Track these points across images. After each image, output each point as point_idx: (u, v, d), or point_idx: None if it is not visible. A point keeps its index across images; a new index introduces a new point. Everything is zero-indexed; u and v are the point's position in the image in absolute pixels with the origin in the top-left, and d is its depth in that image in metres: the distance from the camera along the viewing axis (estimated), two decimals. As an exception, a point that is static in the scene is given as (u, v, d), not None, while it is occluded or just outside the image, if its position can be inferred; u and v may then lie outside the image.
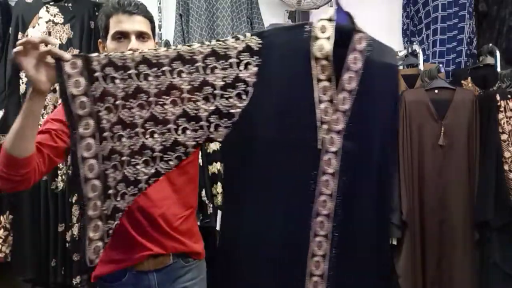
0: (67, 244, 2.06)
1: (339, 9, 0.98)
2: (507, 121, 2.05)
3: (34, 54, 0.98)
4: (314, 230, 0.98)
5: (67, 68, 0.96)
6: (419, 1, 2.57)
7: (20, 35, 2.08)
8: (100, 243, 1.01)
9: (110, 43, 1.25)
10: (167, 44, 2.36)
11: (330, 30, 0.95)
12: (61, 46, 2.07)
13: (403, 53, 2.56)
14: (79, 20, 2.11)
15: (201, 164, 2.03)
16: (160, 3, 2.48)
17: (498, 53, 2.32)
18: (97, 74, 0.97)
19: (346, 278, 1.03)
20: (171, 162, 1.00)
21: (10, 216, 2.10)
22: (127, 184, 1.02)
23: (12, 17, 2.11)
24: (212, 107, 0.98)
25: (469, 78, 2.38)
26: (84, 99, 0.97)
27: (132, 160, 1.00)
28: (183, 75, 0.98)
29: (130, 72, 0.98)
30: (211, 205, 1.95)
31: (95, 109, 0.98)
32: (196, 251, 1.37)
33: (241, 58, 0.96)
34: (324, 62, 0.95)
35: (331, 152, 0.98)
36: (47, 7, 2.09)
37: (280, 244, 0.99)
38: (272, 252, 0.99)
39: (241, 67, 0.97)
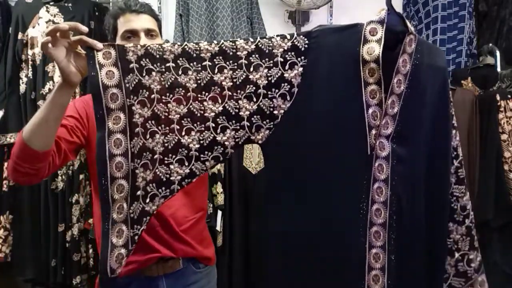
0: (67, 244, 2.06)
1: (391, 10, 0.95)
2: (507, 121, 2.05)
3: (63, 43, 0.95)
4: (369, 241, 0.93)
5: (100, 58, 0.91)
6: (419, 1, 2.57)
7: (20, 35, 2.08)
8: (123, 251, 0.93)
9: (120, 43, 1.24)
10: (167, 44, 2.36)
11: (380, 33, 0.92)
12: (61, 46, 2.07)
13: (403, 53, 2.56)
14: (79, 20, 2.10)
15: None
16: (160, 3, 2.48)
17: (498, 53, 2.32)
18: (132, 65, 0.92)
19: None
20: (207, 163, 0.94)
21: (10, 216, 2.10)
22: (158, 185, 0.94)
23: (12, 17, 2.11)
24: (255, 107, 0.93)
25: (469, 78, 2.38)
26: (116, 90, 0.91)
27: (166, 158, 0.94)
28: (225, 71, 0.93)
29: (168, 65, 0.93)
30: (211, 205, 1.95)
31: (128, 102, 0.92)
32: (206, 256, 1.33)
33: (287, 58, 0.93)
34: (373, 65, 0.92)
35: (382, 157, 0.94)
36: (47, 7, 2.09)
37: (333, 258, 0.93)
38: (324, 267, 0.93)
39: (287, 67, 0.93)
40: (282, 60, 0.93)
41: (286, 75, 0.93)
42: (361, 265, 0.93)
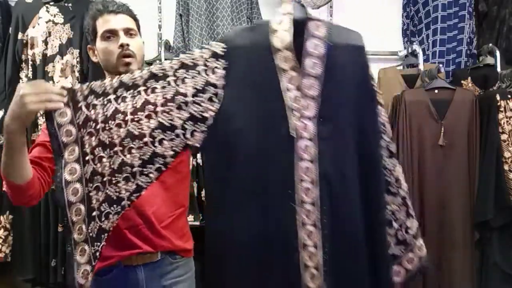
0: (67, 244, 2.06)
1: (295, 3, 1.02)
2: (507, 121, 2.05)
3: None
4: (301, 219, 0.98)
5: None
6: (419, 1, 2.57)
7: (20, 35, 2.08)
8: (88, 267, 1.04)
9: (100, 44, 1.32)
10: (167, 44, 2.36)
11: (288, 22, 1.00)
12: (61, 46, 2.07)
13: (403, 53, 2.56)
14: (79, 20, 2.11)
15: (200, 164, 2.04)
16: (160, 3, 2.48)
17: (498, 53, 2.32)
18: (80, 104, 1.04)
19: (342, 269, 1.02)
20: (151, 175, 1.04)
21: (10, 216, 2.10)
22: (110, 204, 1.04)
23: (12, 17, 2.11)
24: (186, 114, 1.01)
25: (469, 78, 2.38)
26: (69, 127, 1.04)
27: (113, 179, 1.04)
28: (157, 90, 1.03)
29: (109, 97, 1.05)
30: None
31: (80, 135, 1.04)
32: (184, 249, 1.38)
33: (208, 64, 1.01)
34: (286, 53, 1.00)
35: (307, 138, 1.00)
36: (47, 7, 2.09)
37: (269, 236, 0.99)
38: (261, 247, 0.99)
39: (209, 72, 1.01)
40: (205, 68, 1.02)
41: (210, 79, 1.01)
42: (295, 243, 0.98)
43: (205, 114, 1.01)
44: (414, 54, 2.45)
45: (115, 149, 1.04)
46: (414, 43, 2.52)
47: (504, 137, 2.04)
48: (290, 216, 0.98)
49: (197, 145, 1.02)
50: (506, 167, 2.02)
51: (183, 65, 1.03)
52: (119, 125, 1.03)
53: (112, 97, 1.04)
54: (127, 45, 1.30)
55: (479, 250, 2.09)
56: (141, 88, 1.04)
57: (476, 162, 2.08)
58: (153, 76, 1.04)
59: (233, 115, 1.01)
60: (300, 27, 1.01)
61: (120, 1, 1.36)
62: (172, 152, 1.02)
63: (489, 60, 2.37)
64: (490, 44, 2.40)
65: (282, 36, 1.00)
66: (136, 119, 1.04)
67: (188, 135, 1.02)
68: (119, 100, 1.04)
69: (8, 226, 2.09)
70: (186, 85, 1.02)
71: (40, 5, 2.09)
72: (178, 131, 1.02)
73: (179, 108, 1.02)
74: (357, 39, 1.10)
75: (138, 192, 1.04)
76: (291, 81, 1.01)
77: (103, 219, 1.05)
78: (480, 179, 2.06)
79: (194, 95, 1.02)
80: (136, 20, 1.39)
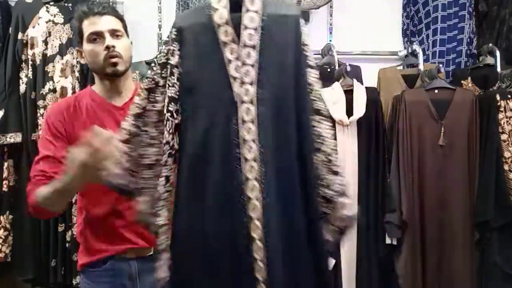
0: (67, 244, 2.06)
1: None
2: (507, 121, 2.05)
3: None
4: (245, 174, 1.08)
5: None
6: (419, 1, 2.57)
7: (20, 35, 2.08)
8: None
9: (86, 46, 1.34)
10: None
11: (225, 1, 1.12)
12: (61, 46, 2.08)
13: (403, 53, 2.56)
14: (79, 20, 2.11)
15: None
16: (160, 3, 2.48)
17: (498, 53, 2.32)
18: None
19: (281, 226, 1.12)
20: (168, 163, 1.13)
21: (10, 216, 2.10)
22: None
23: (12, 17, 2.11)
24: (166, 99, 1.13)
25: (469, 78, 2.38)
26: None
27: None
28: (142, 95, 1.17)
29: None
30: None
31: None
32: None
33: (170, 50, 1.15)
34: (226, 27, 1.13)
35: (247, 102, 1.12)
36: (47, 7, 2.09)
37: (216, 189, 1.10)
38: (211, 196, 1.10)
39: (171, 57, 1.14)
40: (169, 55, 1.15)
41: (172, 62, 1.14)
42: (241, 196, 1.08)
43: (178, 94, 1.14)
44: (414, 54, 2.45)
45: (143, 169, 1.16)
46: (414, 43, 2.52)
47: (504, 137, 2.04)
48: (236, 171, 1.10)
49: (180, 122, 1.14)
50: (506, 167, 2.02)
51: (158, 65, 1.16)
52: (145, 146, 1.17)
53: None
54: (113, 46, 1.31)
55: (479, 250, 2.09)
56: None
57: (476, 162, 2.08)
58: (149, 90, 1.16)
59: (189, 89, 1.14)
60: (238, 3, 1.13)
61: (116, 0, 1.38)
62: (171, 136, 1.13)
63: (489, 60, 2.37)
64: (490, 44, 2.40)
65: (221, 13, 1.12)
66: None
67: (175, 115, 1.13)
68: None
69: (8, 226, 2.09)
70: (161, 77, 1.15)
71: (40, 5, 2.09)
72: (167, 114, 1.13)
73: (161, 94, 1.15)
74: (291, 9, 1.21)
75: (168, 181, 1.12)
76: (232, 52, 1.13)
77: None
78: (480, 179, 2.06)
79: (166, 79, 1.14)
80: (122, 20, 1.40)
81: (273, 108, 1.13)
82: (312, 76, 1.19)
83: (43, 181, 1.25)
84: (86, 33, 1.33)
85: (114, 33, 1.33)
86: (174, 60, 1.14)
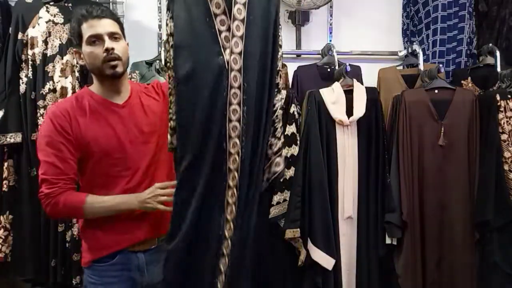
0: (67, 244, 2.06)
1: None
2: (507, 121, 2.05)
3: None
4: (228, 133, 1.27)
5: None
6: (419, 1, 2.57)
7: (20, 35, 2.07)
8: None
9: (86, 48, 1.38)
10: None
11: None
12: (61, 46, 2.07)
13: (403, 53, 2.56)
14: (79, 20, 2.11)
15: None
16: (160, 3, 2.48)
17: (498, 53, 2.31)
18: None
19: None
20: None
21: (10, 216, 2.10)
22: None
23: (12, 17, 2.10)
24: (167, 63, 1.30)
25: (469, 78, 2.38)
26: None
27: None
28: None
29: None
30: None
31: None
32: None
33: (166, 20, 1.29)
34: (218, 0, 1.25)
35: (236, 70, 1.27)
36: (47, 7, 2.08)
37: (207, 140, 1.26)
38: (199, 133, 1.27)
39: (167, 26, 1.28)
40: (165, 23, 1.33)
41: (169, 31, 1.27)
42: (224, 142, 1.27)
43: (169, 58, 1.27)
44: (414, 54, 2.46)
45: None
46: (414, 43, 2.52)
47: (504, 137, 2.04)
48: (223, 127, 1.27)
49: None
50: (506, 167, 2.02)
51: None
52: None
53: None
54: (112, 49, 1.36)
55: (479, 250, 2.09)
56: None
57: (476, 162, 2.08)
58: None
59: (182, 56, 1.24)
60: None
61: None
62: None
63: (489, 60, 2.37)
64: (490, 44, 2.40)
65: None
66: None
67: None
68: None
69: (8, 226, 2.09)
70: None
71: (40, 5, 2.08)
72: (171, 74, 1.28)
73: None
74: None
75: None
76: (222, 23, 1.26)
77: None
78: (480, 179, 2.06)
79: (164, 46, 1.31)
80: (120, 23, 1.44)
81: (253, 75, 1.30)
82: (279, 42, 1.39)
83: (69, 185, 1.35)
84: (85, 35, 1.36)
85: (112, 36, 1.37)
86: (169, 29, 1.27)
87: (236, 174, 1.29)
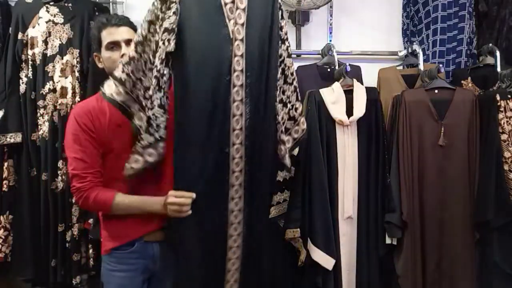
0: (67, 244, 2.06)
1: None
2: (507, 121, 2.05)
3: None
4: (233, 97, 1.40)
5: None
6: (419, 1, 2.57)
7: (20, 35, 2.08)
8: None
9: (105, 53, 1.54)
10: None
11: None
12: (61, 46, 2.08)
13: (403, 53, 2.56)
14: (79, 20, 2.11)
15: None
16: (160, 3, 2.48)
17: (498, 53, 2.32)
18: None
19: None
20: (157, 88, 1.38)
21: (10, 216, 2.10)
22: None
23: (12, 17, 2.10)
24: (162, 30, 1.33)
25: (469, 78, 2.38)
26: None
27: None
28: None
29: None
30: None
31: None
32: None
33: (171, 9, 1.35)
34: None
35: (239, 39, 1.39)
36: (47, 7, 2.09)
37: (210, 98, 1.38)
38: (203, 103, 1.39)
39: (169, 17, 1.34)
40: (168, 14, 1.34)
41: (172, 21, 1.34)
42: (228, 108, 1.39)
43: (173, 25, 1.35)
44: (414, 54, 2.45)
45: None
46: (414, 43, 2.52)
47: (504, 137, 2.04)
48: (227, 91, 1.39)
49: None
50: (506, 167, 2.02)
51: (162, 1, 1.37)
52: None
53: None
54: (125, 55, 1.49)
55: (479, 250, 2.09)
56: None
57: (476, 162, 2.07)
58: (150, 22, 1.39)
59: (192, 24, 1.35)
60: None
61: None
62: (159, 61, 1.37)
63: (489, 60, 2.37)
64: (490, 44, 2.40)
65: None
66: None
67: (166, 43, 1.36)
68: None
69: (8, 226, 2.09)
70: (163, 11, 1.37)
71: (40, 5, 2.09)
72: (160, 42, 1.36)
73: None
74: None
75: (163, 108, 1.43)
76: None
77: None
78: (480, 179, 2.06)
79: (164, 13, 1.35)
80: (135, 30, 1.58)
81: (254, 45, 1.42)
82: (282, 24, 1.55)
83: (97, 178, 1.47)
84: (104, 41, 1.53)
85: (128, 42, 1.51)
86: (172, 21, 1.33)
87: (239, 132, 1.42)
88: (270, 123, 1.53)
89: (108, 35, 1.52)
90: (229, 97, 1.38)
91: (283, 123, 1.60)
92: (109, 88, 1.45)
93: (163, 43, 1.33)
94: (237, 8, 1.39)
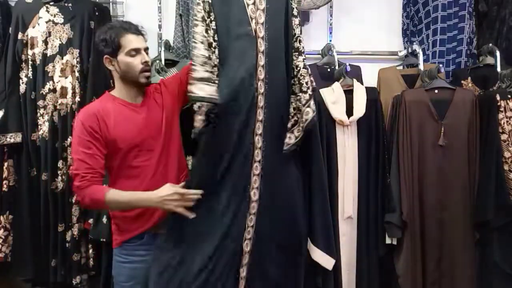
0: (67, 244, 2.06)
1: None
2: (507, 121, 2.05)
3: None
4: (257, 85, 1.61)
5: None
6: (419, 1, 2.57)
7: (20, 35, 2.08)
8: None
9: (125, 58, 1.59)
10: (167, 44, 2.36)
11: None
12: (61, 46, 2.08)
13: (403, 53, 2.56)
14: (79, 20, 2.11)
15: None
16: (160, 3, 2.48)
17: (498, 53, 2.32)
18: None
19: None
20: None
21: (10, 216, 2.10)
22: None
23: (12, 17, 2.10)
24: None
25: (469, 78, 2.38)
26: None
27: None
28: None
29: None
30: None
31: None
32: None
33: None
34: None
35: (260, 37, 1.60)
36: (47, 7, 2.09)
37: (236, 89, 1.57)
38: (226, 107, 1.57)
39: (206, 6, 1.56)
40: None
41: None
42: (253, 98, 1.60)
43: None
44: (414, 54, 2.45)
45: None
46: (414, 43, 2.51)
47: (504, 137, 2.04)
48: (252, 77, 1.59)
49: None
50: (506, 167, 2.02)
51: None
52: None
53: None
54: (148, 62, 1.62)
55: (479, 250, 2.09)
56: None
57: (476, 162, 2.08)
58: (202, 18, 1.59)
59: (222, 24, 1.55)
60: None
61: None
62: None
63: (489, 60, 2.37)
64: (490, 44, 2.40)
65: None
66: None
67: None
68: None
69: (8, 226, 2.09)
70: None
71: (40, 5, 2.09)
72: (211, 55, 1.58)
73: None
74: None
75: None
76: None
77: None
78: (480, 179, 2.06)
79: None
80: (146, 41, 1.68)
81: (274, 44, 1.63)
82: (295, 23, 1.72)
83: (96, 178, 1.52)
84: (126, 47, 1.58)
85: (146, 51, 1.63)
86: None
87: (260, 111, 1.61)
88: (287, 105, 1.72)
89: (130, 42, 1.58)
90: (254, 91, 1.58)
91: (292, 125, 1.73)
92: (202, 90, 1.52)
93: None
94: (258, 8, 1.59)
